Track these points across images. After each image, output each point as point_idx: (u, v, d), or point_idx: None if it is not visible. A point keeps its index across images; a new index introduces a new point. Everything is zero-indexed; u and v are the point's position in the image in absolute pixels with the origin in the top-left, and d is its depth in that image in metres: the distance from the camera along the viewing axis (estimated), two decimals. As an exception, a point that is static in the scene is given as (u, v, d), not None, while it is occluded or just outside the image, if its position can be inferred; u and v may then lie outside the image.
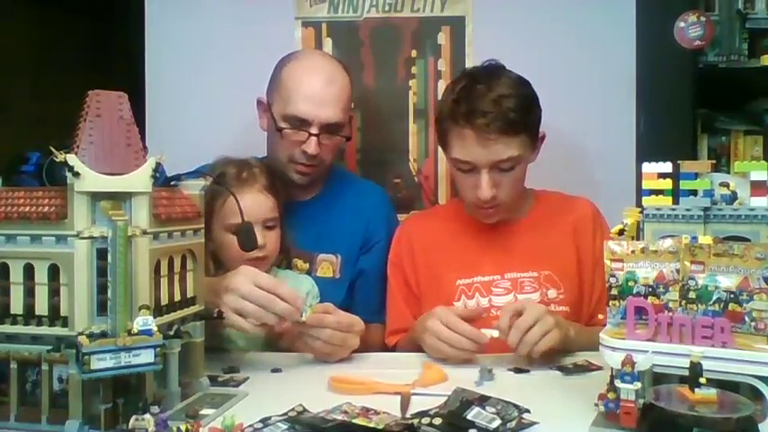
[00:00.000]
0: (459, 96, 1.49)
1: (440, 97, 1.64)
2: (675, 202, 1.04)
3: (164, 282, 1.03)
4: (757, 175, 1.00)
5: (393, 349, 1.60)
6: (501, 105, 1.45)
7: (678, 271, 0.98)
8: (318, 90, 1.61)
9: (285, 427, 0.94)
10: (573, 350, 1.35)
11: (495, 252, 1.59)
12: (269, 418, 0.97)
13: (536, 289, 1.55)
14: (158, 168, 0.99)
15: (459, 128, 1.48)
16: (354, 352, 1.41)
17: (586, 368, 1.27)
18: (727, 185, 1.03)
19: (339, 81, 1.66)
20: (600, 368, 1.24)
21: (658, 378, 0.95)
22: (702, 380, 0.87)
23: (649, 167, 1.06)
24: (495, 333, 1.29)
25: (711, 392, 0.87)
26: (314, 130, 1.60)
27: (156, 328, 0.92)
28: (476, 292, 1.56)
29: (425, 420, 0.93)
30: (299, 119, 1.60)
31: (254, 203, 1.46)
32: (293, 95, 1.61)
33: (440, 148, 2.03)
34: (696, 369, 0.88)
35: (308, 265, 1.66)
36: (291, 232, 1.62)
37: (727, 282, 0.94)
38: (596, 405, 0.94)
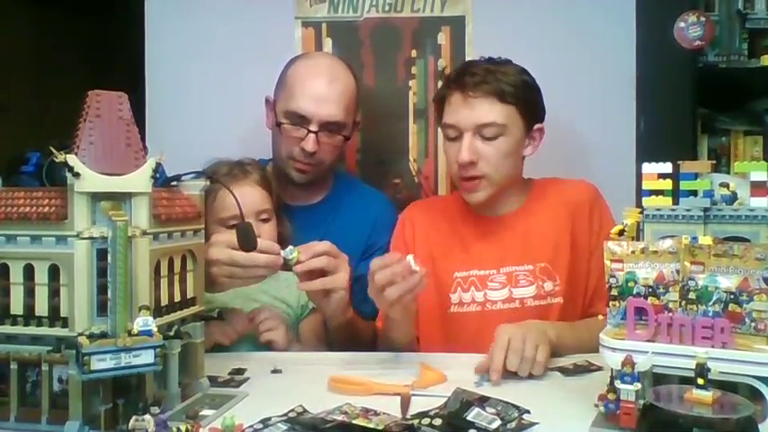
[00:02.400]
0: (456, 68, 1.56)
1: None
2: (675, 202, 1.04)
3: (164, 282, 1.03)
4: (757, 175, 1.00)
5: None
6: (494, 74, 1.49)
7: (678, 271, 0.97)
8: (320, 88, 1.63)
9: (285, 427, 0.94)
10: (563, 352, 1.33)
11: (492, 245, 1.58)
12: (269, 418, 0.97)
13: (531, 282, 1.53)
14: (158, 168, 0.99)
15: (450, 93, 1.52)
16: (354, 352, 1.41)
17: (586, 369, 1.27)
18: (727, 186, 1.03)
19: (342, 81, 1.67)
20: (600, 368, 1.24)
21: (658, 379, 0.95)
22: (700, 380, 0.87)
23: (649, 168, 1.06)
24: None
25: (711, 393, 0.87)
26: (313, 128, 1.61)
27: (156, 329, 0.92)
28: (471, 285, 1.56)
29: (425, 421, 0.93)
30: (299, 115, 1.62)
31: (245, 196, 1.45)
32: (295, 92, 1.63)
33: (439, 149, 2.04)
34: (701, 370, 0.87)
35: None
36: (295, 236, 1.62)
37: (727, 282, 0.94)
38: (596, 405, 0.94)
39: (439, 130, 2.00)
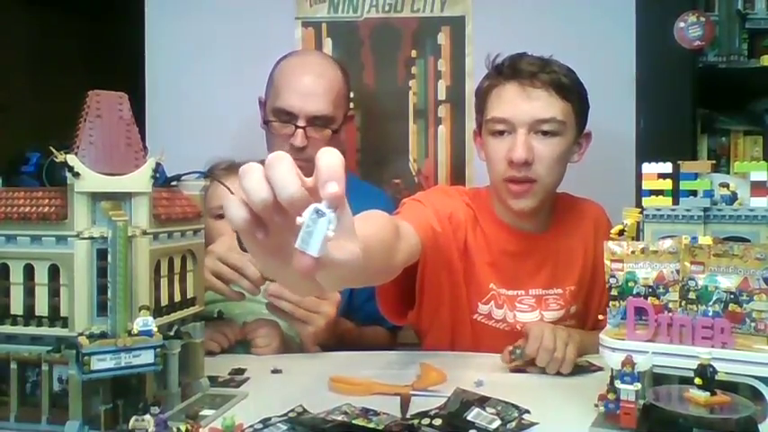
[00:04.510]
0: (504, 60, 1.41)
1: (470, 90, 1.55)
2: (675, 202, 1.04)
3: (164, 282, 1.03)
4: (757, 175, 1.00)
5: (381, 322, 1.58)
6: (550, 66, 1.38)
7: (678, 271, 0.97)
8: (306, 83, 1.63)
9: (285, 427, 0.94)
10: (583, 353, 1.32)
11: (522, 267, 1.48)
12: (269, 418, 0.97)
13: (562, 306, 1.48)
14: (158, 168, 0.99)
15: (502, 84, 1.39)
16: (355, 351, 1.41)
17: (586, 369, 1.27)
18: (727, 186, 1.03)
19: (329, 75, 1.66)
20: (600, 369, 1.24)
21: (658, 379, 0.95)
22: (698, 380, 0.87)
23: (649, 168, 1.06)
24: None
25: (707, 394, 0.87)
26: (300, 123, 1.61)
27: (156, 329, 0.92)
28: (504, 303, 1.46)
29: (425, 421, 0.93)
30: (287, 112, 1.62)
31: (237, 190, 1.46)
32: (282, 89, 1.63)
33: (439, 149, 2.04)
34: (706, 371, 0.87)
35: None
36: None
37: (727, 282, 0.94)
38: (596, 406, 0.94)
39: (441, 128, 2.04)
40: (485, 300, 1.47)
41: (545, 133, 1.37)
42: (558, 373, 1.24)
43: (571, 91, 1.40)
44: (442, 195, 1.53)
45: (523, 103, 1.36)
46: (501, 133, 1.39)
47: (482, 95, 1.45)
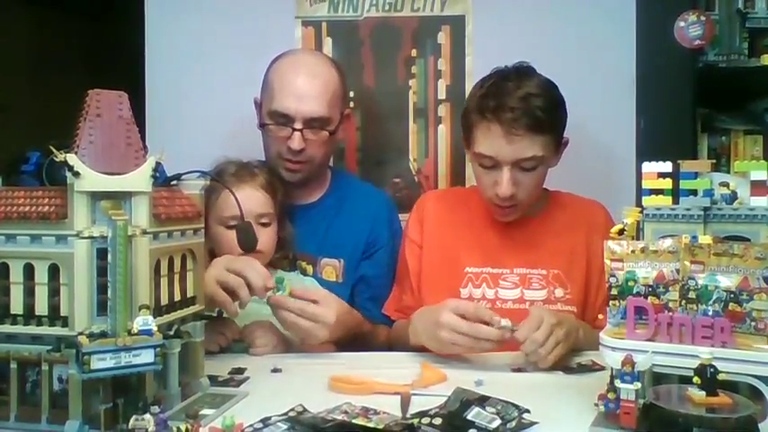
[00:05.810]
0: (488, 92, 1.49)
1: (467, 94, 1.61)
2: (675, 201, 1.04)
3: (164, 281, 1.03)
4: (757, 174, 1.00)
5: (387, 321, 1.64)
6: (529, 103, 1.45)
7: (678, 271, 0.97)
8: (301, 85, 1.61)
9: (285, 427, 0.94)
10: (581, 350, 1.35)
11: (508, 245, 1.59)
12: (269, 418, 0.97)
13: (543, 287, 1.55)
14: (158, 168, 0.99)
15: (486, 122, 1.48)
16: (355, 351, 1.41)
17: (589, 368, 1.27)
18: (727, 185, 1.03)
19: (324, 76, 1.65)
20: (603, 368, 1.24)
21: (658, 378, 0.95)
22: (696, 380, 0.87)
23: (649, 167, 1.06)
24: (509, 323, 1.26)
25: (704, 393, 0.87)
26: (297, 126, 1.60)
27: (156, 328, 0.92)
28: (483, 282, 1.56)
29: (425, 420, 0.93)
30: (283, 114, 1.61)
31: (249, 199, 1.46)
32: (277, 92, 1.62)
33: (439, 149, 2.04)
34: (706, 371, 0.87)
35: (311, 267, 1.66)
36: (296, 235, 1.62)
37: (727, 281, 0.94)
38: (596, 405, 0.94)
39: (441, 128, 2.04)
40: (463, 284, 1.57)
41: (527, 168, 1.49)
42: (545, 368, 1.27)
43: (548, 124, 1.48)
44: (414, 222, 1.69)
45: (507, 146, 1.46)
46: (489, 167, 1.51)
47: (469, 123, 1.54)
